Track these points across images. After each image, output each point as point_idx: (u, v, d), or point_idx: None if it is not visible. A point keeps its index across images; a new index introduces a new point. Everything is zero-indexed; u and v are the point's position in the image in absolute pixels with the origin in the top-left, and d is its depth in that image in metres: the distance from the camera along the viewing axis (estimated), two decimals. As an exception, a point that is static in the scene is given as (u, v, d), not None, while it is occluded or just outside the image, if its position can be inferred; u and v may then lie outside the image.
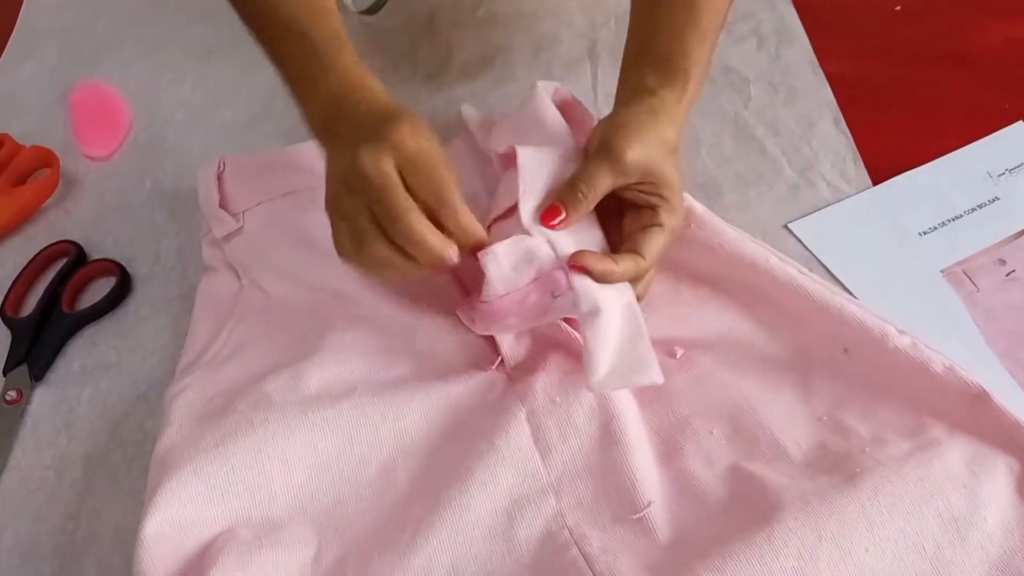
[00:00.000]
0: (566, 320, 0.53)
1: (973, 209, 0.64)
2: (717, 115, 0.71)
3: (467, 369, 0.55)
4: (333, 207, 0.50)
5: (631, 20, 0.58)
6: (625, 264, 0.50)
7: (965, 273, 0.61)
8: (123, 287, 0.63)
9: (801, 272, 0.54)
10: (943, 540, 0.45)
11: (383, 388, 0.53)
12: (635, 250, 0.51)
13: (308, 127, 0.54)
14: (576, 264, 0.49)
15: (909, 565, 0.44)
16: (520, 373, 0.54)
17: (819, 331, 0.52)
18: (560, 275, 0.49)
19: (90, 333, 0.62)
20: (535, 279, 0.50)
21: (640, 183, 0.51)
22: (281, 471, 0.50)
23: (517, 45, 0.78)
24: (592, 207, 0.52)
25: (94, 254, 0.66)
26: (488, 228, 0.53)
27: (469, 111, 0.68)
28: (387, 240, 0.48)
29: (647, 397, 0.52)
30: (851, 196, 0.65)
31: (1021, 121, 0.69)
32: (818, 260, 0.61)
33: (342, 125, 0.51)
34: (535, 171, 0.53)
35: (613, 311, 0.48)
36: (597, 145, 0.52)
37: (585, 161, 0.52)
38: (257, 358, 0.56)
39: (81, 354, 0.61)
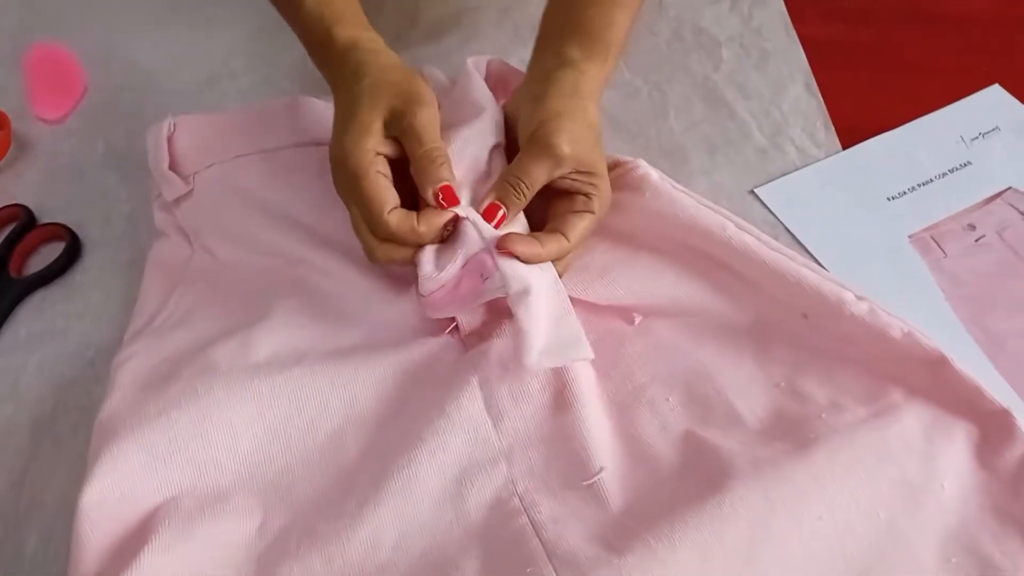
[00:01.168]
0: None
1: (944, 174, 0.63)
2: (686, 78, 0.70)
3: (421, 336, 0.54)
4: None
5: None
6: (550, 246, 0.50)
7: (933, 239, 0.59)
8: (72, 252, 0.62)
9: (759, 240, 0.52)
10: (897, 508, 0.44)
11: (333, 355, 0.52)
12: (561, 231, 0.51)
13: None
14: (504, 248, 0.49)
15: (862, 533, 0.43)
16: (474, 340, 0.53)
17: (777, 298, 0.51)
18: (487, 258, 0.49)
19: (38, 299, 0.60)
20: (464, 264, 0.50)
21: (573, 173, 0.51)
22: (226, 439, 0.48)
23: (485, 5, 0.76)
24: (527, 203, 0.51)
25: (44, 218, 0.64)
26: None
27: (432, 71, 0.67)
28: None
29: (604, 364, 0.51)
30: (820, 160, 0.64)
31: (996, 85, 0.68)
32: (784, 226, 0.60)
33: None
34: (460, 151, 0.53)
35: (540, 290, 0.48)
36: (530, 137, 0.51)
37: (521, 155, 0.51)
38: (205, 324, 0.55)
39: (28, 320, 0.59)
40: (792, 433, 0.46)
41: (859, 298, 0.49)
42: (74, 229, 0.63)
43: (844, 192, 0.62)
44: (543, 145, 0.50)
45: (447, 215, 0.50)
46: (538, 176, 0.51)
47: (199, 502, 0.47)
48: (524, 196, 0.51)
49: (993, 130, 0.65)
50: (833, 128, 0.65)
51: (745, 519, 0.42)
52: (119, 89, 0.73)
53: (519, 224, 0.52)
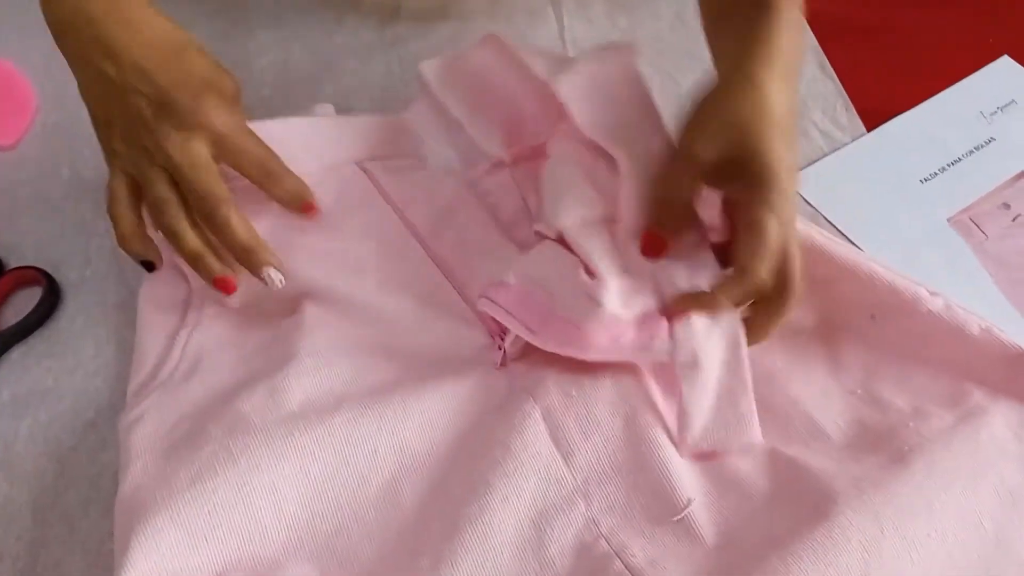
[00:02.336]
0: None
1: (971, 151, 0.62)
2: (696, 64, 0.66)
3: (464, 364, 0.50)
4: (113, 157, 0.50)
5: None
6: (729, 290, 0.43)
7: (972, 220, 0.58)
8: (52, 298, 0.55)
9: (822, 234, 0.50)
10: (1001, 516, 0.43)
11: (374, 396, 0.47)
12: (735, 262, 0.43)
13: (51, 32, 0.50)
14: (678, 311, 0.43)
15: (971, 546, 0.42)
16: (525, 367, 0.49)
17: (846, 297, 0.49)
18: (664, 322, 0.44)
19: (19, 355, 0.53)
20: (637, 318, 0.44)
21: (729, 178, 0.44)
22: (270, 504, 0.43)
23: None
24: (689, 218, 0.45)
25: (13, 261, 0.57)
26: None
27: (430, 68, 0.61)
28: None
29: (669, 382, 0.48)
30: (847, 144, 0.62)
31: (1005, 56, 0.67)
32: (822, 214, 0.58)
33: (103, 45, 0.48)
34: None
35: (713, 362, 0.44)
36: (679, 145, 0.45)
37: (663, 170, 0.46)
38: (222, 371, 0.49)
39: (11, 381, 0.52)
40: (882, 446, 0.44)
41: (933, 294, 0.47)
42: (50, 272, 0.55)
43: (877, 177, 0.60)
44: (686, 155, 0.44)
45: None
46: (686, 192, 0.44)
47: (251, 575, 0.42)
48: (678, 213, 0.44)
49: (1010, 103, 0.64)
50: (855, 110, 0.63)
51: (858, 545, 0.40)
52: (76, 106, 0.65)
53: (703, 266, 0.46)
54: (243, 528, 0.43)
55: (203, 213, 0.49)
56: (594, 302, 0.44)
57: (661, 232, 0.45)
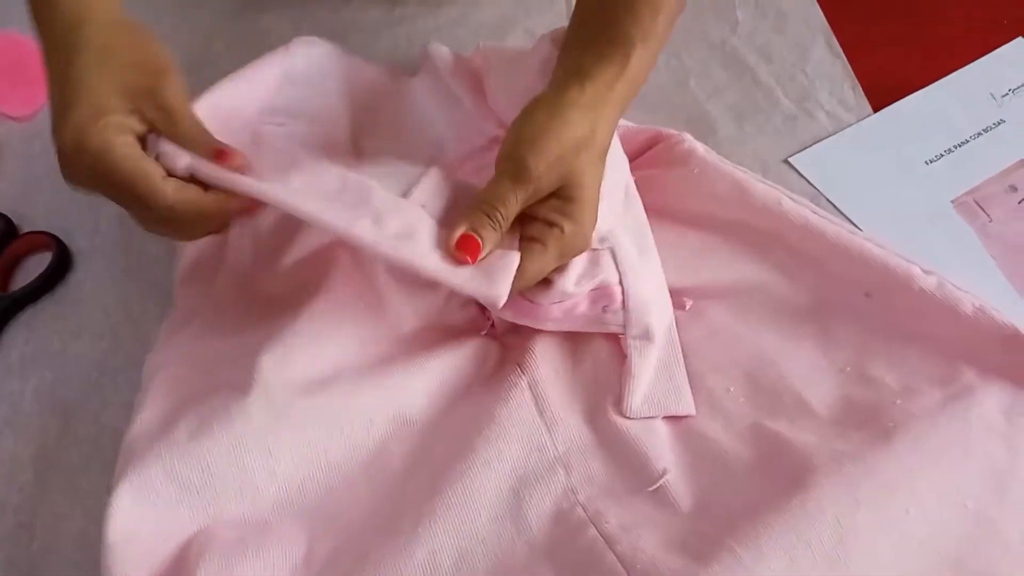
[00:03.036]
0: None
1: (979, 133, 0.61)
2: (702, 41, 0.66)
3: (455, 337, 0.50)
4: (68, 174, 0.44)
5: None
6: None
7: (976, 202, 0.57)
8: (61, 263, 0.56)
9: (816, 213, 0.49)
10: (985, 496, 0.42)
11: (372, 367, 0.48)
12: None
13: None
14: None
15: (952, 524, 0.42)
16: (514, 339, 0.50)
17: (839, 275, 0.49)
18: (617, 291, 0.46)
19: (28, 317, 0.55)
20: (591, 292, 0.46)
21: (549, 200, 0.44)
22: (263, 465, 0.45)
23: (483, -28, 0.71)
24: (506, 230, 0.44)
25: (25, 227, 0.59)
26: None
27: (439, 49, 0.62)
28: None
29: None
30: (852, 125, 0.61)
31: (1020, 38, 0.66)
32: (823, 195, 0.57)
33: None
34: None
35: (658, 337, 0.46)
36: (506, 156, 0.43)
37: (494, 176, 0.44)
38: (246, 332, 0.50)
39: (19, 342, 0.54)
40: (868, 422, 0.44)
41: (927, 272, 0.47)
42: (61, 237, 0.57)
43: (881, 157, 0.59)
44: (517, 170, 0.43)
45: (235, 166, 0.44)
46: (512, 207, 0.43)
47: (239, 532, 0.43)
48: (498, 231, 0.43)
49: (1022, 86, 0.63)
50: (861, 90, 0.62)
51: (832, 518, 0.40)
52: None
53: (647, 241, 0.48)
54: (235, 486, 0.44)
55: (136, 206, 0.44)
56: (555, 283, 0.45)
57: (477, 236, 0.43)
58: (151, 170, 0.42)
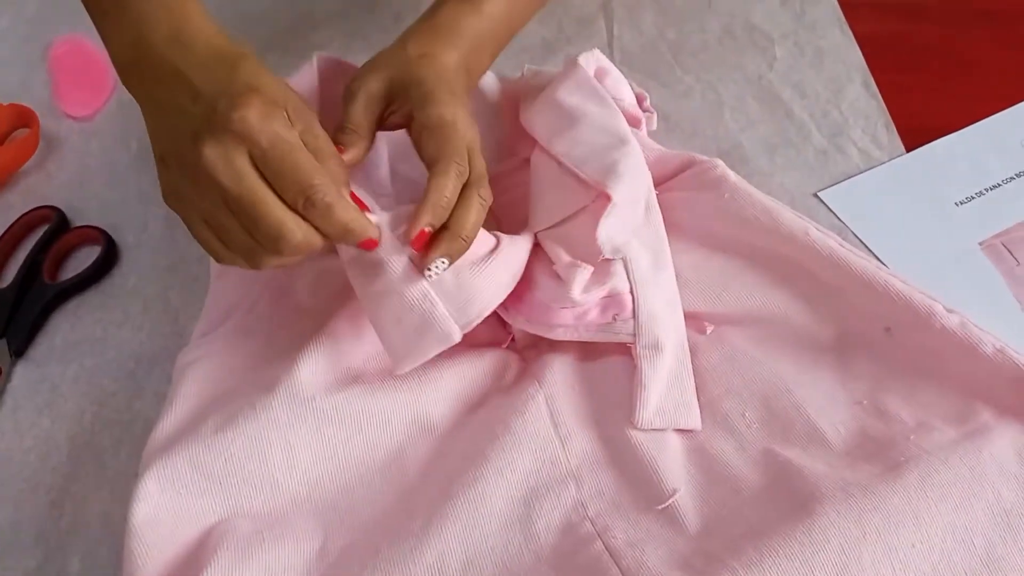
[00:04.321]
0: None
1: (1011, 178, 0.61)
2: (740, 75, 0.67)
3: (477, 347, 0.52)
4: (176, 201, 0.44)
5: None
6: (439, 186, 0.44)
7: (1004, 245, 0.57)
8: (109, 256, 0.59)
9: (842, 245, 0.50)
10: (994, 535, 0.42)
11: (391, 371, 0.49)
12: (434, 160, 0.45)
13: (116, 69, 0.47)
14: (415, 232, 0.43)
15: (958, 562, 0.41)
16: (533, 353, 0.51)
17: (861, 308, 0.49)
18: (627, 300, 0.47)
19: (74, 306, 0.58)
20: (601, 300, 0.48)
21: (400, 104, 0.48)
22: (284, 460, 0.46)
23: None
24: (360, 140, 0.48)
25: (77, 221, 0.62)
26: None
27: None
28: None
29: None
30: (884, 163, 0.61)
31: (1060, 85, 0.66)
32: (851, 230, 0.58)
33: (162, 72, 0.43)
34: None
35: (668, 348, 0.47)
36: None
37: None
38: (266, 335, 0.52)
39: (64, 328, 0.57)
40: (880, 455, 0.44)
41: (949, 310, 0.47)
42: (110, 233, 0.60)
43: (911, 196, 0.60)
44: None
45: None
46: (345, 112, 0.48)
47: (256, 524, 0.45)
48: (353, 140, 0.47)
49: (1056, 133, 0.63)
50: (895, 130, 0.63)
51: (837, 547, 0.40)
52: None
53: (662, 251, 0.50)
54: (256, 479, 0.46)
55: (250, 228, 0.42)
56: (566, 287, 0.47)
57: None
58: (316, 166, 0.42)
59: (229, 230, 0.42)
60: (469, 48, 0.51)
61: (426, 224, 0.44)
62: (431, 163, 0.45)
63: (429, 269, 0.44)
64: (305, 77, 0.56)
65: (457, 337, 0.45)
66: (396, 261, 0.45)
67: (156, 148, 0.45)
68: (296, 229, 0.41)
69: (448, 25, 0.51)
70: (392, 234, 0.45)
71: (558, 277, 0.48)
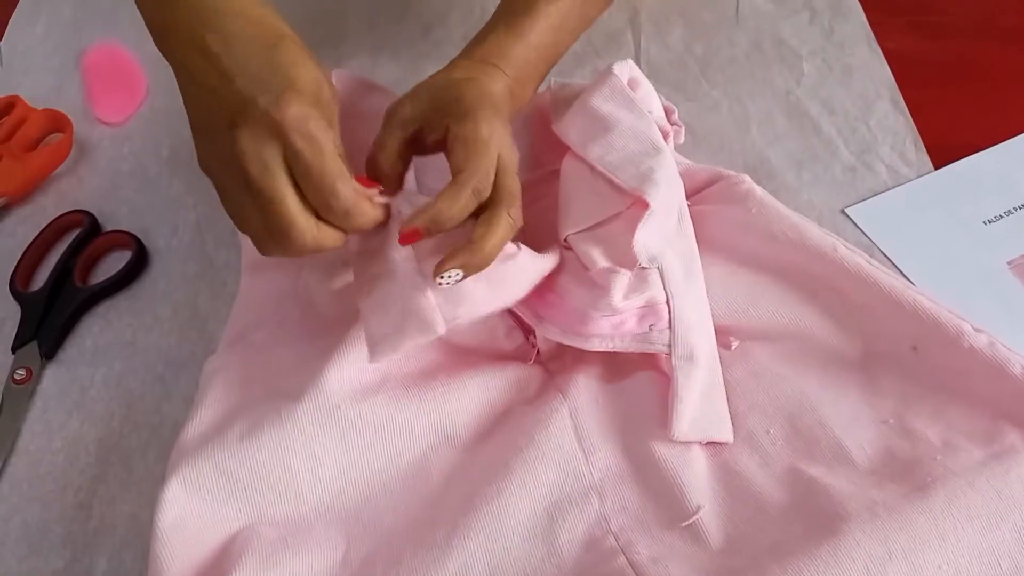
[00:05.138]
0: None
1: (1042, 197, 0.60)
2: (768, 91, 0.67)
3: (502, 359, 0.52)
4: (207, 169, 0.46)
5: None
6: (452, 196, 0.44)
7: (1034, 265, 0.57)
8: (139, 261, 0.60)
9: (870, 263, 0.50)
10: (1021, 558, 0.41)
11: (417, 379, 0.50)
12: (456, 169, 0.46)
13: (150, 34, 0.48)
14: (410, 230, 0.44)
15: (985, 584, 0.41)
16: (558, 365, 0.51)
17: (888, 326, 0.49)
18: (664, 310, 0.47)
19: (104, 309, 0.59)
20: (639, 309, 0.47)
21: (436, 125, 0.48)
22: (308, 467, 0.47)
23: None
24: (394, 171, 0.49)
25: (108, 225, 0.63)
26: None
27: None
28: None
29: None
30: (912, 181, 0.61)
31: (1091, 103, 0.65)
32: (878, 247, 0.58)
33: (192, 46, 0.44)
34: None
35: (702, 360, 0.47)
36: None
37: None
38: (292, 344, 0.52)
39: (94, 331, 0.57)
40: (906, 475, 0.44)
41: (977, 330, 0.47)
42: (140, 237, 0.61)
43: (939, 214, 0.59)
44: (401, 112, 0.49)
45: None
46: (379, 142, 0.49)
47: (280, 532, 0.45)
48: (381, 167, 0.48)
49: (1087, 152, 0.62)
50: (924, 147, 0.63)
51: (862, 567, 0.40)
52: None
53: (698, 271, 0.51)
54: (280, 486, 0.46)
55: (264, 218, 0.44)
56: (604, 291, 0.47)
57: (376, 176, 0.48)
58: (339, 166, 0.43)
59: (246, 210, 0.44)
60: (515, 77, 0.52)
61: (420, 226, 0.44)
62: (454, 174, 0.46)
63: (441, 277, 0.44)
64: None
65: (440, 329, 0.45)
66: (399, 248, 0.46)
67: (191, 117, 0.47)
68: (306, 231, 0.43)
69: (494, 55, 0.52)
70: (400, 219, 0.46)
71: (592, 284, 0.48)
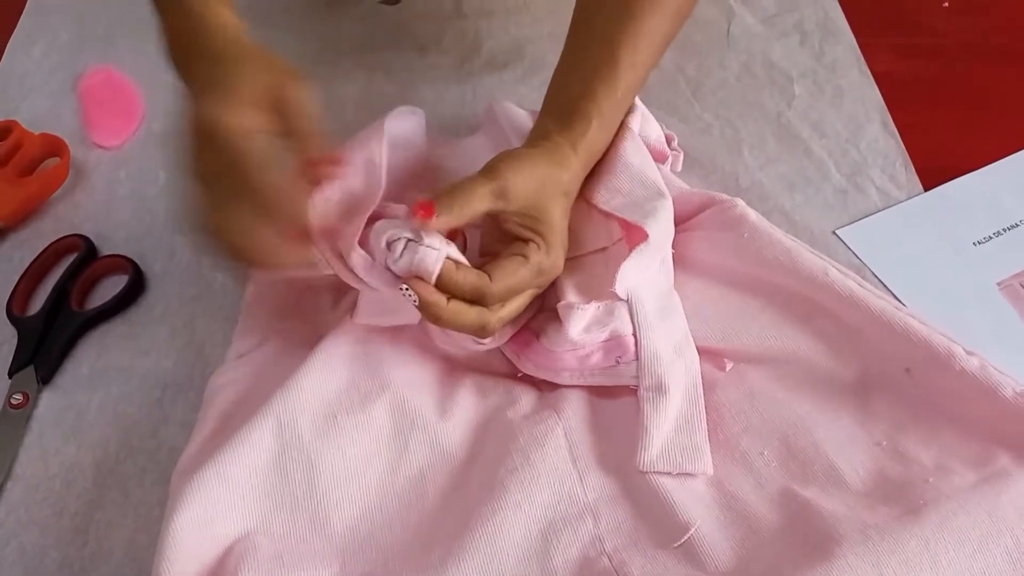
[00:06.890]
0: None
1: (1031, 218, 0.61)
2: (759, 113, 0.68)
3: (493, 375, 0.52)
4: (188, 162, 0.48)
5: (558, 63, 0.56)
6: (469, 275, 0.46)
7: (1022, 286, 0.57)
8: (136, 285, 0.60)
9: (862, 286, 0.50)
10: (1012, 581, 0.42)
11: (413, 390, 0.51)
12: (487, 270, 0.47)
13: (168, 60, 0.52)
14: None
15: (976, 607, 0.41)
16: (550, 385, 0.52)
17: (880, 349, 0.49)
18: (630, 342, 0.48)
19: (100, 334, 0.59)
20: (605, 340, 0.49)
21: (520, 215, 0.48)
22: (305, 476, 0.47)
23: (548, 34, 0.75)
24: (462, 221, 0.47)
25: (105, 249, 0.63)
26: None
27: (502, 105, 0.64)
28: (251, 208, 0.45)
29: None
30: (902, 202, 0.62)
31: (1079, 124, 0.66)
32: (869, 269, 0.58)
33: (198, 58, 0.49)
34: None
35: (676, 391, 0.47)
36: (486, 166, 0.49)
37: (471, 175, 0.48)
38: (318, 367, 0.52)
39: (91, 356, 0.58)
40: (898, 498, 0.44)
41: (969, 352, 0.47)
42: (137, 262, 0.61)
43: (929, 235, 0.60)
44: (493, 172, 0.48)
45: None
46: (477, 198, 0.47)
47: (277, 546, 0.45)
48: (458, 211, 0.46)
49: (1078, 173, 0.63)
50: (914, 168, 0.64)
51: (855, 589, 0.40)
52: (178, 115, 0.71)
53: (680, 329, 0.51)
54: (277, 493, 0.47)
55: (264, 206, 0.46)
56: (564, 328, 0.48)
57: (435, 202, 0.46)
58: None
59: (226, 200, 0.46)
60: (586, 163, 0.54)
61: (469, 289, 0.46)
62: (522, 264, 0.48)
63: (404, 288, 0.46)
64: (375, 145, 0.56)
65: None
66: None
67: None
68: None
69: (580, 144, 0.52)
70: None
71: (557, 320, 0.49)
